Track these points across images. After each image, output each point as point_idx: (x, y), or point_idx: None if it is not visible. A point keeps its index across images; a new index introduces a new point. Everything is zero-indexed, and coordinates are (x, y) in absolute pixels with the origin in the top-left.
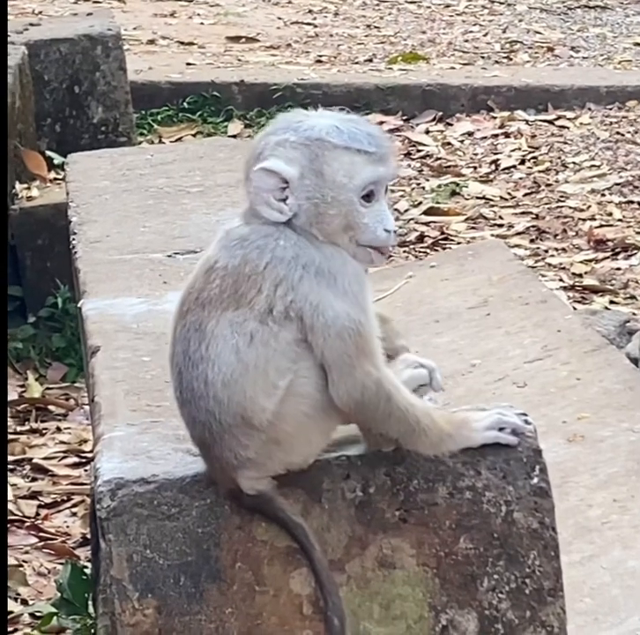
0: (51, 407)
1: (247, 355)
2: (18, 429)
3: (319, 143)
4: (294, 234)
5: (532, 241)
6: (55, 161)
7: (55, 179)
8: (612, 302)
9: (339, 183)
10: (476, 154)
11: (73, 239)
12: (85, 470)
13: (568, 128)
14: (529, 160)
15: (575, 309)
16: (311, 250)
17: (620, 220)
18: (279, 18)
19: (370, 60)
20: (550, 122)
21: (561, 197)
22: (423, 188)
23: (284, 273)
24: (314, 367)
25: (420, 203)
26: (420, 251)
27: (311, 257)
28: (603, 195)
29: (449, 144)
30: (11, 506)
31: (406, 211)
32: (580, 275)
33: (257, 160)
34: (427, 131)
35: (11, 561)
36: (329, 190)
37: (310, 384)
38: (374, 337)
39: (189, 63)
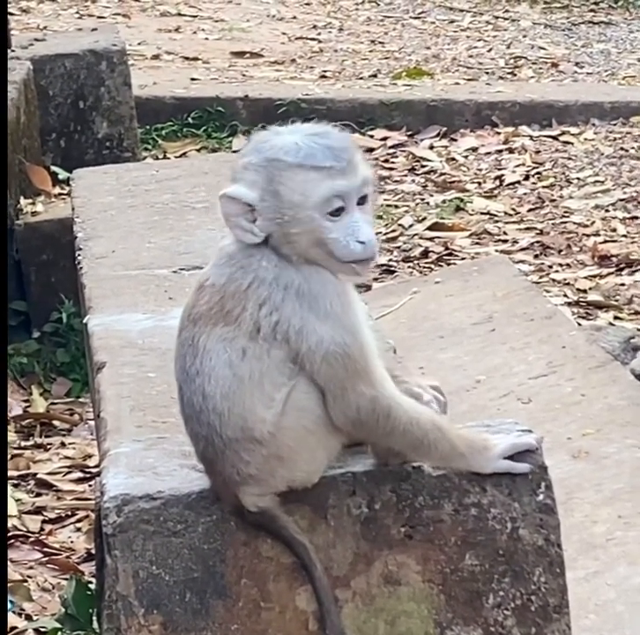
0: (56, 422)
1: (240, 369)
2: (23, 444)
3: (275, 163)
4: (275, 254)
5: (536, 256)
6: (60, 176)
7: (60, 194)
8: (616, 317)
9: (296, 201)
10: (480, 170)
11: (79, 255)
12: (90, 485)
13: (572, 144)
14: (533, 176)
15: (579, 325)
16: (291, 271)
17: (624, 235)
18: (284, 34)
19: (375, 75)
20: (554, 137)
21: (566, 212)
22: (428, 203)
23: (266, 294)
24: (313, 382)
25: (425, 218)
26: (424, 267)
27: (291, 278)
28: (607, 210)
29: (453, 159)
30: (15, 522)
31: (411, 226)
32: (584, 291)
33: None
34: (432, 147)
35: (15, 576)
36: (287, 210)
37: (311, 399)
38: (366, 355)
39: (193, 79)
